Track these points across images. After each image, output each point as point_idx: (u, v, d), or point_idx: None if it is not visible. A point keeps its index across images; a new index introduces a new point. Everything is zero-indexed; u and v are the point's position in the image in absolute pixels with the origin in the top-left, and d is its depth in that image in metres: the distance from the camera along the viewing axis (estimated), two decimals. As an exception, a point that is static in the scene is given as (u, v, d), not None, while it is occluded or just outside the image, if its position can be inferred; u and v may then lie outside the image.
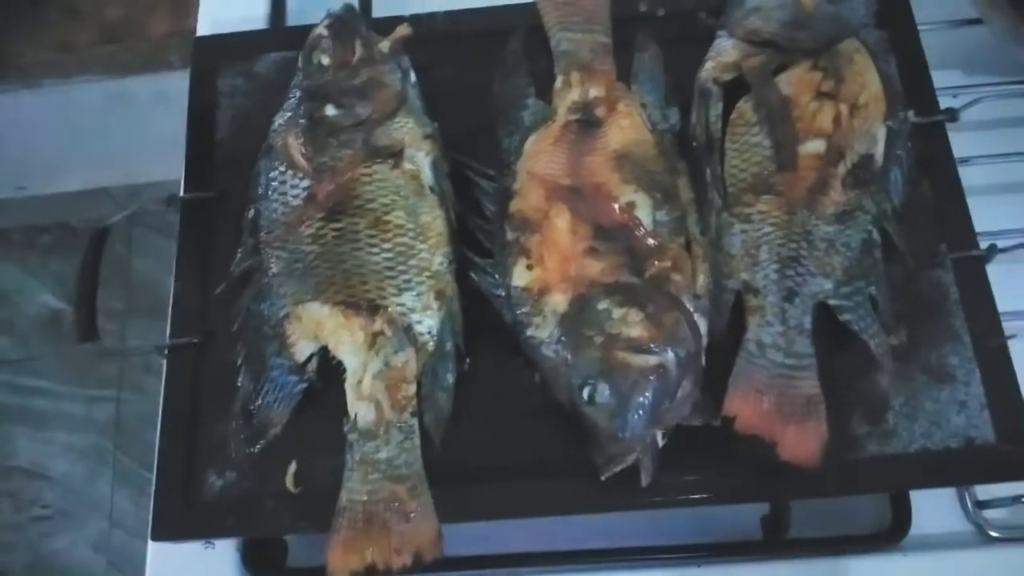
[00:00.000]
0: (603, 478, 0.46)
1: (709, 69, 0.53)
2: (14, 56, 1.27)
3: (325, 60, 0.53)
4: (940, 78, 0.58)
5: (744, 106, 0.52)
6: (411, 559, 0.45)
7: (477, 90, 0.57)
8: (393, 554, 0.46)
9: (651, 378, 0.45)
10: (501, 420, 0.50)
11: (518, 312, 0.49)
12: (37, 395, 1.41)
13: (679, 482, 0.48)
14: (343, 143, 0.51)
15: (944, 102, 0.56)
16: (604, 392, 0.45)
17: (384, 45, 0.53)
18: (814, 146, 0.50)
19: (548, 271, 0.49)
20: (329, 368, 0.50)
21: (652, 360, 0.45)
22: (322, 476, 0.49)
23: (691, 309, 0.47)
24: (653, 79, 0.56)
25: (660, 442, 0.46)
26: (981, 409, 0.49)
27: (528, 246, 0.50)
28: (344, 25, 0.53)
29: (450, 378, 0.50)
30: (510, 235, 0.51)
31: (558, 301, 0.48)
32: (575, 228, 0.49)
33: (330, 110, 0.52)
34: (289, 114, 0.53)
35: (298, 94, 0.53)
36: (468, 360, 0.51)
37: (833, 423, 0.47)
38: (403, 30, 0.54)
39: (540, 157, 0.53)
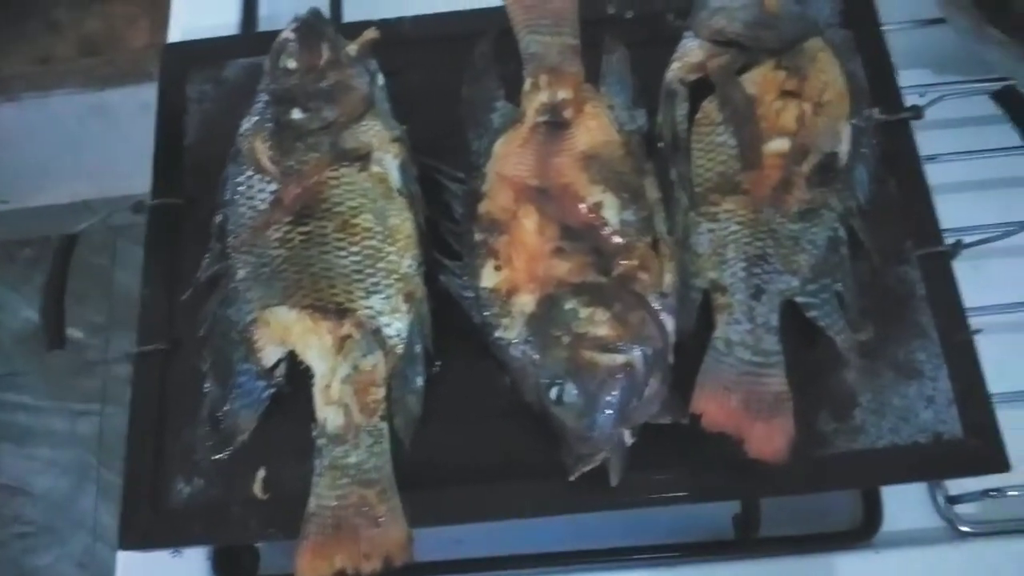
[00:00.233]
0: (572, 478, 0.46)
1: (675, 70, 0.54)
2: (-7, 69, 1.26)
3: (292, 64, 0.53)
4: (907, 77, 0.59)
5: (709, 106, 0.52)
6: (381, 564, 0.45)
7: (446, 94, 0.57)
8: (363, 560, 0.45)
9: (618, 377, 0.45)
10: (471, 422, 0.50)
11: (486, 313, 0.49)
12: (20, 410, 1.40)
13: (648, 481, 0.48)
14: (310, 146, 0.51)
15: (911, 101, 0.57)
16: (571, 392, 0.45)
17: (351, 48, 0.53)
18: (778, 145, 0.50)
19: (516, 272, 0.49)
20: (297, 373, 0.50)
21: (619, 359, 0.45)
22: (291, 482, 0.49)
23: (658, 307, 0.47)
24: (621, 81, 0.56)
25: (628, 441, 0.46)
26: (949, 404, 0.49)
27: (496, 247, 0.50)
28: (311, 29, 0.53)
29: (419, 381, 0.50)
30: (478, 236, 0.51)
31: (526, 302, 0.48)
32: (543, 228, 0.49)
33: (296, 114, 0.52)
34: (256, 118, 0.53)
35: (265, 98, 0.53)
36: (438, 363, 0.51)
37: (801, 420, 0.47)
38: (370, 34, 0.54)
39: (509, 159, 0.53)
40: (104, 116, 1.34)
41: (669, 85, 0.53)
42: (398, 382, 0.49)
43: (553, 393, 0.46)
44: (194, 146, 0.58)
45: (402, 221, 0.51)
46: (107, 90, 1.33)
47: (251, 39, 0.63)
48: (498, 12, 0.59)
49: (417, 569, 0.47)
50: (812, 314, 0.49)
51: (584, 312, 0.46)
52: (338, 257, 0.49)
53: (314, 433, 0.48)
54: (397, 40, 0.59)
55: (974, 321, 0.51)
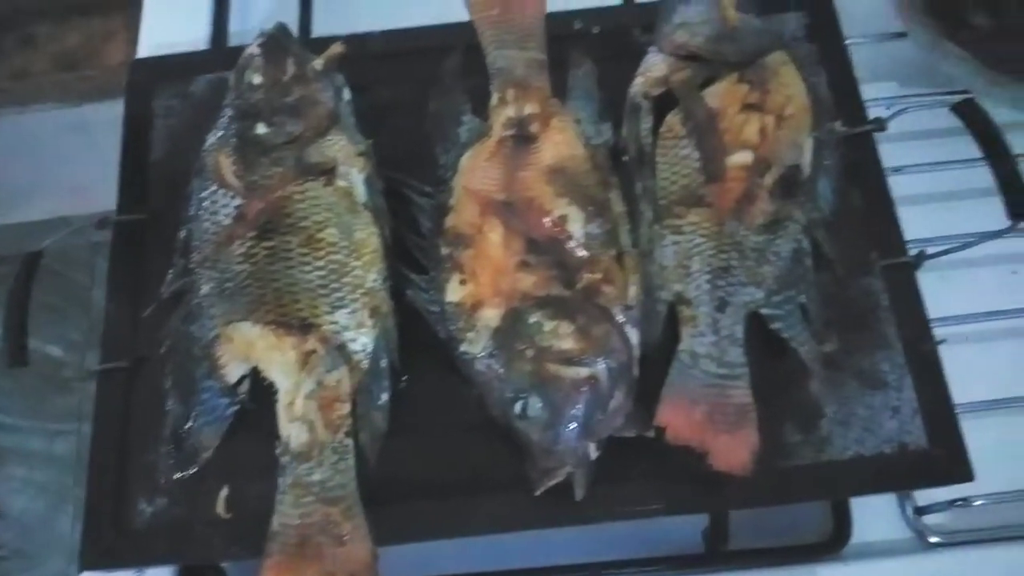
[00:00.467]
0: (537, 493, 0.45)
1: (639, 84, 0.54)
2: (-32, 86, 1.26)
3: (257, 79, 0.52)
4: (872, 90, 0.59)
5: (673, 119, 0.52)
6: (345, 582, 0.44)
7: (415, 108, 0.57)
8: (327, 578, 0.45)
9: (582, 390, 0.45)
10: (438, 438, 0.50)
11: (452, 328, 0.49)
12: (-4, 430, 1.38)
13: (615, 495, 0.47)
14: (274, 161, 0.51)
15: (876, 113, 0.57)
16: (536, 405, 0.45)
17: (317, 63, 0.53)
18: (741, 157, 0.51)
19: (481, 286, 0.49)
20: (261, 389, 0.49)
21: (583, 372, 0.45)
22: (255, 500, 0.48)
23: (622, 320, 0.47)
24: (587, 95, 0.56)
25: (593, 455, 0.46)
26: (913, 415, 0.49)
27: (462, 261, 0.50)
28: (276, 44, 0.53)
29: (385, 396, 0.49)
30: (444, 250, 0.51)
31: (490, 316, 0.48)
32: (508, 242, 0.49)
33: (261, 128, 0.52)
34: (220, 133, 0.53)
35: (230, 113, 0.53)
36: (405, 378, 0.51)
37: (767, 432, 0.47)
38: (337, 48, 0.54)
39: (475, 173, 0.53)
40: (82, 132, 1.34)
41: (633, 99, 0.54)
42: (363, 398, 0.49)
43: (517, 407, 0.45)
44: (160, 161, 0.58)
45: (368, 235, 0.51)
46: (84, 105, 1.33)
47: (218, 54, 0.63)
48: (465, 27, 0.59)
49: (382, 587, 0.47)
50: (776, 326, 0.49)
51: (548, 325, 0.46)
52: (302, 272, 0.49)
53: (278, 450, 0.48)
54: (366, 55, 0.59)
55: (939, 332, 0.51)
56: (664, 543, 0.54)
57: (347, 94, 0.54)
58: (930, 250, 0.53)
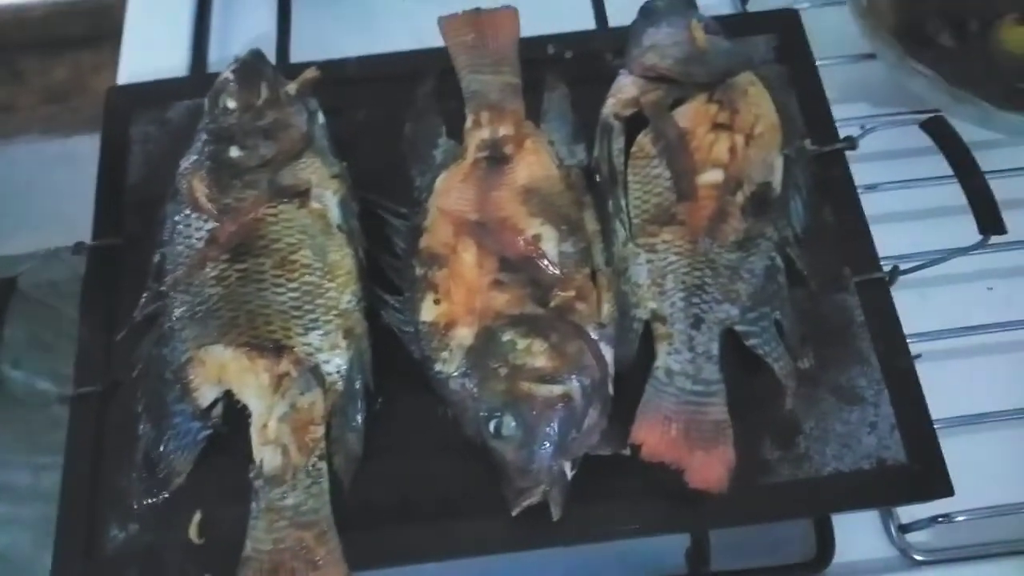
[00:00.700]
0: (513, 513, 0.45)
1: (610, 106, 0.55)
2: (-45, 118, 1.26)
3: (231, 103, 0.53)
4: (844, 111, 0.60)
5: (644, 139, 0.53)
6: (319, 609, 0.44)
7: (390, 131, 0.58)
8: (300, 605, 0.44)
9: (556, 408, 0.45)
10: (413, 460, 0.49)
11: (426, 347, 0.49)
12: (-21, 465, 1.36)
13: (593, 516, 0.47)
14: (247, 184, 0.51)
15: (849, 133, 0.58)
16: (510, 424, 0.45)
17: (291, 87, 0.54)
18: (712, 176, 0.51)
19: (454, 305, 0.49)
20: (234, 413, 0.49)
21: (557, 390, 0.45)
22: (228, 525, 0.47)
23: (596, 338, 0.47)
24: (561, 117, 0.57)
25: (569, 473, 0.45)
26: (891, 430, 0.49)
27: (435, 281, 0.50)
28: (250, 69, 0.54)
29: (360, 418, 0.49)
30: (418, 271, 0.51)
31: (464, 334, 0.48)
32: (481, 261, 0.49)
33: (234, 151, 0.52)
34: (195, 157, 0.53)
35: (204, 137, 0.53)
36: (380, 400, 0.51)
37: (745, 448, 0.47)
38: (310, 73, 0.55)
39: (450, 193, 0.53)
40: (68, 164, 1.34)
41: (605, 120, 0.54)
42: (338, 420, 0.49)
43: (492, 426, 0.45)
44: (136, 186, 0.58)
45: (342, 257, 0.51)
46: (72, 138, 1.34)
47: (195, 81, 0.64)
48: (440, 52, 0.60)
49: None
50: (752, 342, 0.49)
51: (522, 343, 0.46)
52: (275, 294, 0.49)
53: (251, 474, 0.47)
54: (343, 80, 0.60)
55: (914, 348, 0.51)
56: (646, 565, 0.53)
57: (321, 118, 0.55)
58: (904, 266, 0.54)
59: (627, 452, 0.46)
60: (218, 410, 0.49)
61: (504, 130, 0.55)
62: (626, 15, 0.60)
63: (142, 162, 0.59)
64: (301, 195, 0.51)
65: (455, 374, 0.47)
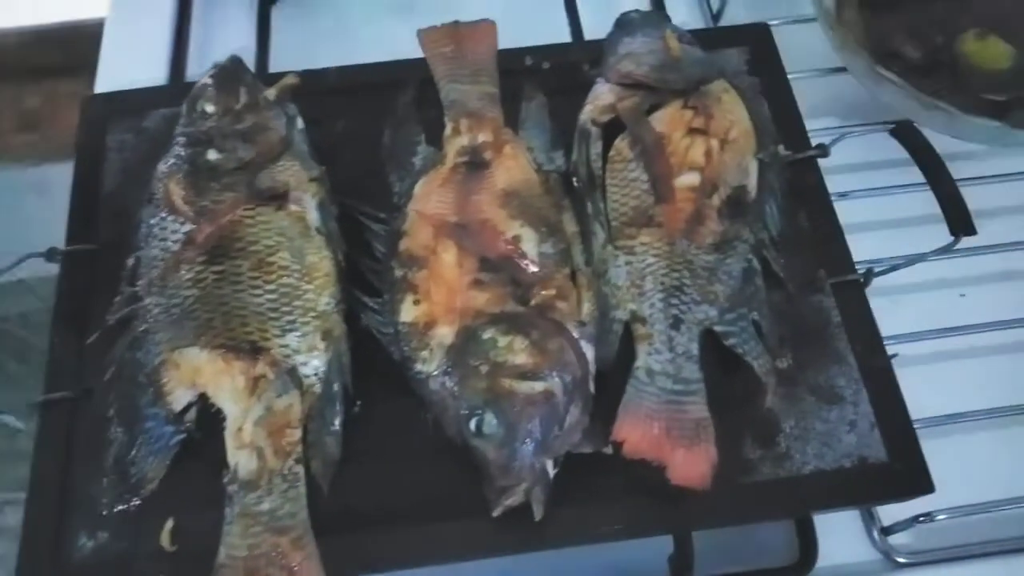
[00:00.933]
0: (495, 514, 0.44)
1: (587, 112, 0.55)
2: (-73, 149, 1.25)
3: (209, 108, 0.53)
4: (815, 124, 0.61)
5: (621, 144, 0.54)
6: (295, 617, 0.42)
7: (368, 141, 0.58)
8: (275, 613, 0.43)
9: (538, 405, 0.45)
10: (393, 463, 0.48)
11: (406, 348, 0.48)
12: (-60, 502, 1.31)
13: (575, 517, 0.46)
14: (225, 186, 0.51)
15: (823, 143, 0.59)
16: (491, 422, 0.44)
17: (270, 93, 0.54)
18: (689, 179, 0.52)
19: (434, 304, 0.48)
20: (209, 417, 0.48)
21: (538, 386, 0.45)
22: (201, 532, 0.46)
23: (577, 336, 0.47)
24: (539, 125, 0.58)
25: (551, 472, 0.45)
26: (871, 428, 0.49)
27: (415, 282, 0.49)
28: (229, 74, 0.54)
29: (338, 421, 0.48)
30: (398, 273, 0.50)
31: (444, 333, 0.47)
32: (461, 262, 0.49)
33: (212, 154, 0.52)
34: (172, 161, 0.53)
35: (181, 140, 0.53)
36: (359, 403, 0.50)
37: (726, 447, 0.47)
38: (290, 79, 0.55)
39: (429, 197, 0.53)
40: (43, 192, 1.32)
41: (582, 126, 0.55)
42: (315, 423, 0.48)
43: (472, 424, 0.45)
44: (112, 194, 0.57)
45: (320, 259, 0.50)
46: (45, 166, 1.32)
47: (173, 90, 0.64)
48: (419, 63, 0.60)
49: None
50: (731, 342, 0.49)
51: (502, 341, 0.46)
52: (252, 295, 0.49)
53: (225, 479, 0.46)
54: (322, 89, 0.60)
55: (891, 349, 0.52)
56: (629, 571, 0.52)
57: (300, 123, 0.55)
58: (876, 268, 0.54)
59: (609, 450, 0.46)
60: (192, 414, 0.48)
61: (483, 137, 0.56)
62: (600, 29, 0.61)
63: (118, 169, 0.58)
64: (279, 198, 0.51)
65: (435, 373, 0.47)
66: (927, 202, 0.55)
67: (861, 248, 0.56)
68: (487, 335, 0.46)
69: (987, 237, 0.56)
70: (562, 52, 0.63)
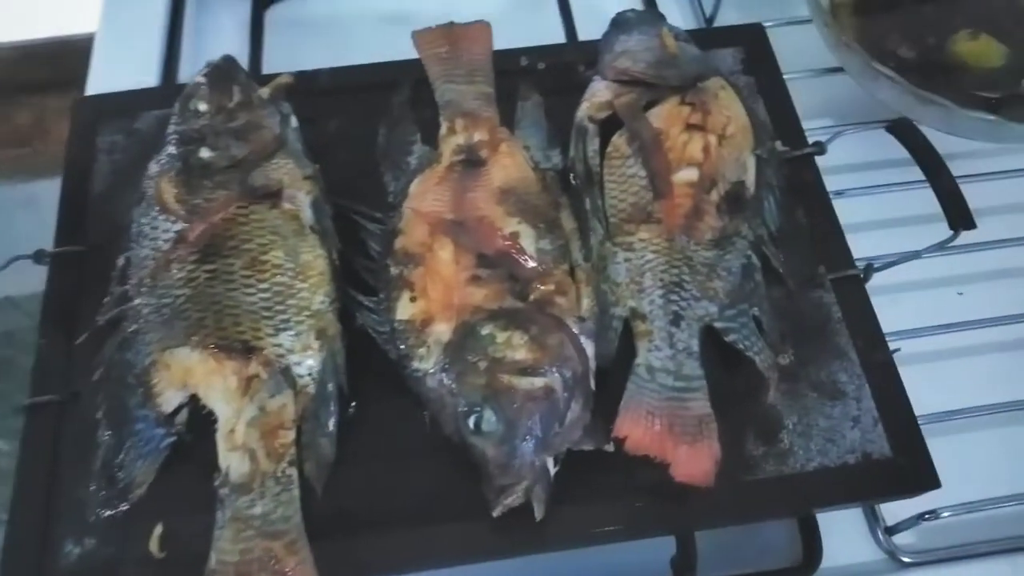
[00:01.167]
0: (495, 514, 0.43)
1: (584, 109, 0.55)
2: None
3: (202, 106, 0.52)
4: (814, 123, 0.61)
5: (619, 140, 0.53)
6: (289, 623, 0.41)
7: (362, 142, 0.57)
8: (269, 619, 0.41)
9: (538, 401, 0.44)
10: (389, 465, 0.47)
11: (402, 346, 0.47)
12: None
13: (576, 517, 0.45)
14: (218, 184, 0.50)
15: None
16: (490, 418, 0.43)
17: (264, 92, 0.54)
18: (687, 174, 0.51)
19: (431, 301, 0.48)
20: (200, 419, 0.47)
21: (538, 382, 0.44)
22: (192, 538, 0.45)
23: (576, 331, 0.46)
24: (536, 124, 0.58)
25: (552, 469, 0.44)
26: (875, 424, 0.49)
27: (411, 279, 0.49)
28: (222, 73, 0.53)
29: (332, 422, 0.47)
30: (394, 270, 0.50)
31: (442, 330, 0.47)
32: (458, 258, 0.49)
33: (204, 152, 0.51)
34: (164, 159, 0.52)
35: (173, 139, 0.52)
36: (354, 403, 0.49)
37: (729, 445, 0.46)
38: (284, 78, 0.54)
39: (425, 196, 0.53)
40: (32, 208, 1.31)
41: (579, 123, 0.55)
42: (309, 424, 0.47)
43: (471, 421, 0.44)
44: (101, 195, 0.56)
45: (314, 257, 0.50)
46: (35, 182, 1.31)
47: (165, 92, 0.63)
48: (412, 63, 0.60)
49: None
50: (731, 338, 0.49)
51: (501, 336, 0.45)
52: (245, 294, 0.48)
53: (216, 482, 0.45)
54: (315, 90, 0.60)
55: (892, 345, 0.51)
56: (632, 574, 0.51)
57: (294, 121, 0.54)
58: (877, 265, 0.54)
59: (610, 448, 0.45)
60: (182, 416, 0.47)
61: (479, 135, 0.55)
62: (595, 30, 0.61)
63: (108, 171, 0.57)
64: (273, 196, 0.50)
65: (433, 371, 0.46)
66: (924, 201, 0.55)
67: (859, 246, 0.55)
68: (485, 331, 0.45)
69: (984, 234, 0.56)
70: (557, 53, 0.63)
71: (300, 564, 0.43)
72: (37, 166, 1.31)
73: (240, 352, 0.47)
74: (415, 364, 0.47)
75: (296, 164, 0.52)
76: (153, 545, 0.45)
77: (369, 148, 0.57)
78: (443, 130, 0.56)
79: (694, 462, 0.44)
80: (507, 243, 0.49)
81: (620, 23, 0.58)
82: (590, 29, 0.65)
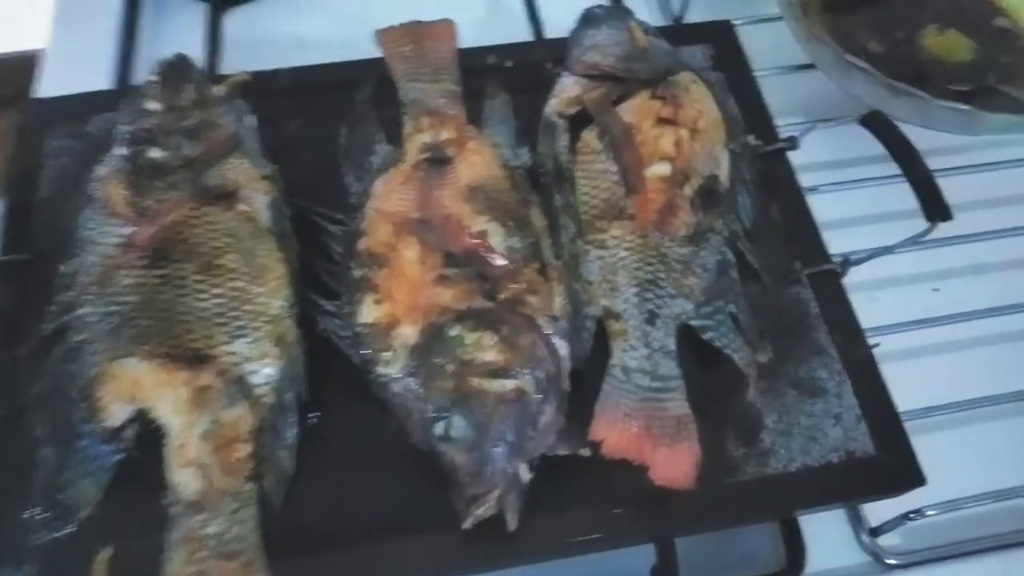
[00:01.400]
0: (465, 526, 0.41)
1: (553, 105, 0.54)
2: None
3: (153, 105, 0.50)
4: (785, 120, 0.60)
5: (589, 135, 0.52)
6: (246, 649, 0.38)
7: (323, 142, 0.55)
8: (224, 646, 0.38)
9: (509, 404, 0.42)
10: (353, 477, 0.45)
11: (366, 351, 0.45)
12: None
13: (551, 527, 0.43)
14: (170, 185, 0.48)
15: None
16: (459, 424, 0.41)
17: (219, 89, 0.51)
18: (659, 169, 0.50)
19: (396, 303, 0.45)
20: (149, 435, 0.44)
21: (509, 384, 0.42)
22: (141, 561, 0.41)
23: (549, 331, 0.45)
24: (504, 122, 0.56)
25: (526, 477, 0.42)
26: (857, 421, 0.47)
27: (376, 281, 0.47)
28: (174, 71, 0.51)
29: (292, 433, 0.45)
30: (356, 273, 0.47)
31: (408, 333, 0.44)
32: (424, 258, 0.47)
33: (155, 152, 0.48)
34: (112, 160, 0.49)
35: (122, 140, 0.50)
36: (316, 413, 0.46)
37: (709, 446, 0.44)
38: (240, 76, 0.52)
39: (390, 195, 0.51)
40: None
41: (548, 119, 0.53)
42: (268, 436, 0.44)
43: (439, 428, 0.42)
44: (48, 201, 0.53)
45: (272, 261, 0.47)
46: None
47: (117, 94, 0.60)
48: (373, 63, 0.58)
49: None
50: (708, 336, 0.47)
51: (470, 337, 0.43)
52: (198, 299, 0.45)
53: (167, 501, 0.42)
54: (274, 90, 0.58)
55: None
56: (610, 588, 0.49)
57: (251, 120, 0.52)
58: (852, 258, 0.53)
59: (586, 452, 0.43)
60: (131, 431, 0.44)
61: (445, 134, 0.53)
62: (561, 28, 0.60)
63: (56, 176, 0.54)
64: (228, 197, 0.48)
65: (398, 375, 0.44)
66: (897, 196, 0.54)
67: (834, 243, 0.55)
68: (453, 332, 0.43)
69: (958, 228, 0.55)
70: (525, 50, 0.61)
71: (258, 585, 0.40)
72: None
73: (191, 361, 0.44)
74: (380, 369, 0.44)
75: (252, 164, 0.50)
76: (100, 570, 0.42)
77: (330, 149, 0.55)
78: (408, 128, 0.54)
79: (673, 464, 0.42)
80: (475, 241, 0.47)
81: (588, 18, 0.57)
82: (557, 27, 0.63)
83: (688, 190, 0.50)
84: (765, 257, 0.52)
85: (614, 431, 0.43)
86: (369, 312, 0.46)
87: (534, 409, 0.42)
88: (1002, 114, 0.55)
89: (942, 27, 0.63)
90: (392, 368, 0.44)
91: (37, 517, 0.43)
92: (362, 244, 0.48)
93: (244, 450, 0.43)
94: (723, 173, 0.51)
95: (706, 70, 0.60)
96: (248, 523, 0.42)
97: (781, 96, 0.62)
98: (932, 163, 0.54)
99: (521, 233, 0.48)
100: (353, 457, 0.45)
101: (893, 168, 0.55)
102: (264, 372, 0.45)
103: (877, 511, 0.51)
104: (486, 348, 0.43)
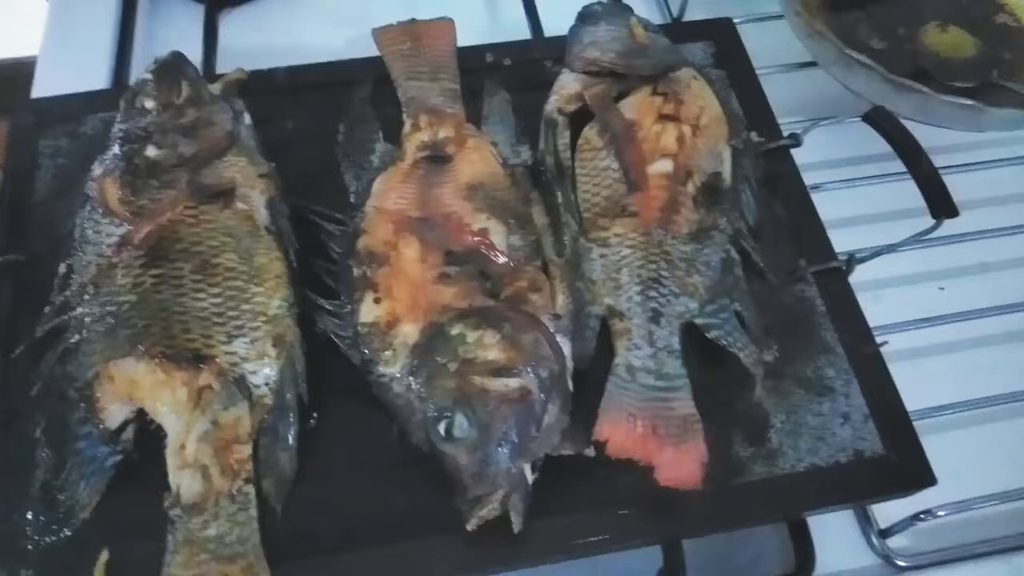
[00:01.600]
0: (469, 527, 0.40)
1: (553, 102, 0.53)
2: None
3: (148, 103, 0.49)
4: (787, 118, 0.60)
5: (590, 132, 0.51)
6: (246, 654, 0.38)
7: (320, 141, 0.55)
8: (224, 651, 0.38)
9: (513, 403, 0.41)
10: (353, 479, 0.44)
11: (367, 351, 0.44)
12: None
13: (557, 529, 0.42)
14: (165, 183, 0.47)
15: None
16: (462, 424, 0.40)
17: (215, 87, 0.51)
18: (662, 166, 0.49)
19: (397, 302, 0.45)
20: (148, 436, 0.43)
21: (512, 383, 0.41)
22: (140, 564, 0.41)
23: (552, 329, 0.44)
24: (503, 120, 0.56)
25: (530, 477, 0.41)
26: (865, 420, 0.47)
27: (376, 280, 0.46)
28: (170, 69, 0.51)
29: (292, 434, 0.44)
30: (356, 272, 0.47)
31: (409, 332, 0.44)
32: (425, 256, 0.46)
33: (151, 150, 0.48)
34: (108, 160, 0.49)
35: (118, 138, 0.49)
36: (315, 415, 0.46)
37: (715, 447, 0.44)
38: (236, 74, 0.52)
39: (389, 194, 0.50)
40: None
41: (549, 116, 0.53)
42: (267, 438, 0.44)
43: (441, 427, 0.41)
44: (45, 202, 0.53)
45: (270, 260, 0.47)
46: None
47: (113, 94, 0.60)
48: (371, 62, 0.58)
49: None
50: (713, 334, 0.47)
51: (472, 335, 0.42)
52: (195, 299, 0.44)
53: (167, 503, 0.41)
54: (272, 90, 0.57)
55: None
56: (616, 591, 0.48)
57: (247, 118, 0.52)
58: (858, 255, 0.52)
59: (591, 452, 0.42)
60: (129, 432, 0.43)
61: (444, 132, 0.53)
62: (559, 27, 0.59)
63: (52, 177, 0.54)
64: (225, 195, 0.47)
65: (400, 375, 0.43)
66: (902, 194, 0.54)
67: (838, 241, 0.54)
68: (455, 330, 0.43)
69: (964, 226, 0.55)
70: (523, 49, 0.61)
71: (258, 589, 0.39)
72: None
73: (190, 361, 0.43)
74: (380, 369, 0.44)
75: (249, 162, 0.49)
76: (98, 573, 0.41)
77: (328, 148, 0.55)
78: (407, 127, 0.54)
79: (680, 464, 0.42)
80: (476, 239, 0.46)
81: (587, 15, 0.56)
82: (555, 25, 0.63)
83: (691, 187, 0.49)
84: (769, 255, 0.51)
85: (619, 431, 0.42)
86: (369, 311, 0.45)
87: (538, 408, 0.41)
88: (1007, 109, 0.55)
89: (944, 24, 0.62)
90: (393, 368, 0.43)
91: (34, 520, 0.42)
92: (362, 243, 0.48)
93: (243, 452, 0.43)
94: (726, 170, 0.51)
95: (707, 68, 0.60)
96: (248, 525, 0.41)
97: (783, 94, 0.61)
98: (935, 161, 0.54)
99: (522, 231, 0.48)
100: (354, 459, 0.45)
101: (897, 166, 0.54)
102: (263, 372, 0.44)
103: (886, 511, 0.51)
104: (488, 346, 0.42)
